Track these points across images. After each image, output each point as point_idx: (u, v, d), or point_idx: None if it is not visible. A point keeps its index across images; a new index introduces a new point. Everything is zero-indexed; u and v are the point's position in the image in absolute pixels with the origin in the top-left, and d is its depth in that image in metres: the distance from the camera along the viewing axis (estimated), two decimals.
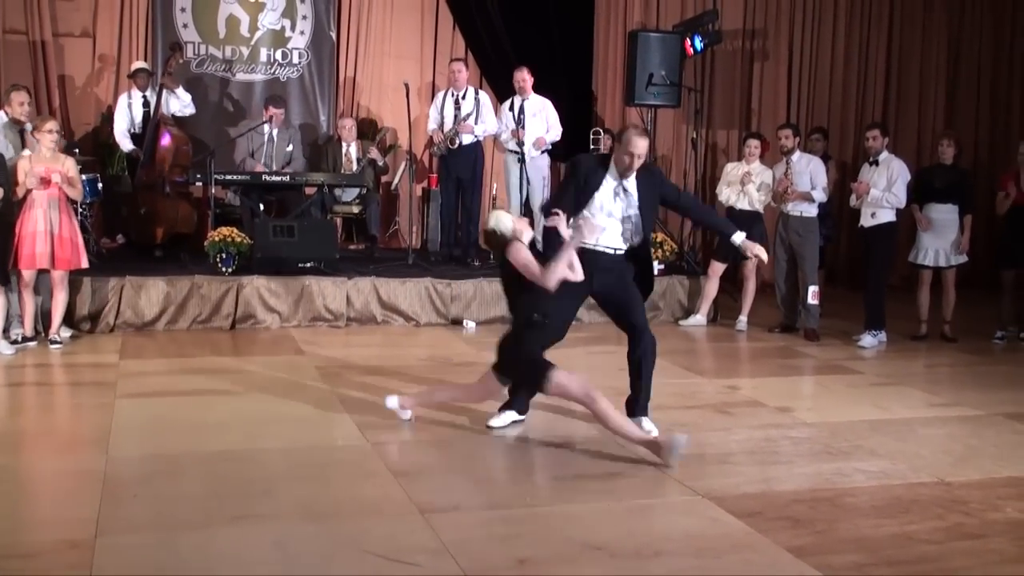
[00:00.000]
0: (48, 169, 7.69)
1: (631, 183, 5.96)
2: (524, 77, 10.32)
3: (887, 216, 8.92)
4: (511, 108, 10.29)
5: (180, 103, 10.04)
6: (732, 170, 9.59)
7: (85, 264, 8.07)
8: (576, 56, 11.98)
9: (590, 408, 5.51)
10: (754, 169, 9.38)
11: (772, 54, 12.56)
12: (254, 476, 5.12)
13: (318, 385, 6.87)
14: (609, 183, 5.96)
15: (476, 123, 10.18)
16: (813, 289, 9.10)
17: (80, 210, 8.98)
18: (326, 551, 4.20)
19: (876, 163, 8.97)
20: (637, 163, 5.87)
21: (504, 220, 5.58)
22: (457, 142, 10.09)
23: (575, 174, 6.03)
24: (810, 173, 9.09)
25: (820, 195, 9.07)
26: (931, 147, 12.76)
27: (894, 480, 5.31)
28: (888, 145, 9.12)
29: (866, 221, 9.02)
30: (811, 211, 9.13)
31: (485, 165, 10.86)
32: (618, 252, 6.01)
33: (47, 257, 7.70)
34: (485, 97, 10.44)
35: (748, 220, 9.33)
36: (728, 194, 9.47)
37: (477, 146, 10.34)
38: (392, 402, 5.97)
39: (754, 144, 9.52)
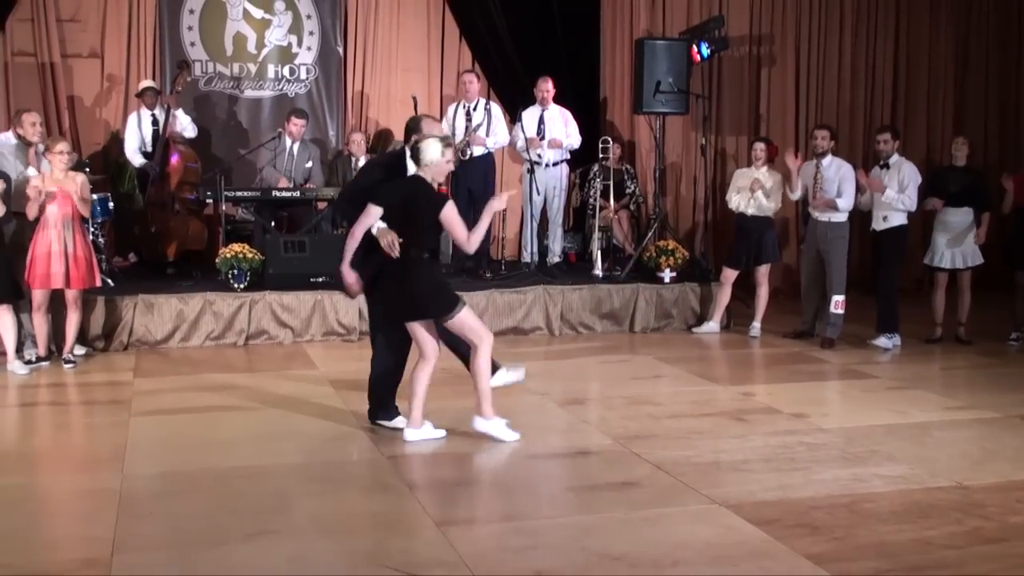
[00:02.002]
0: (61, 189, 7.73)
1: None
2: (548, 88, 10.37)
3: (899, 219, 8.89)
4: (530, 118, 10.35)
5: (180, 125, 10.04)
6: (741, 176, 9.56)
7: (99, 283, 8.11)
8: (583, 65, 11.98)
9: (475, 352, 5.83)
10: (762, 174, 9.33)
11: (779, 59, 12.53)
12: (269, 492, 5.11)
13: (332, 400, 6.87)
14: None
15: (487, 135, 10.19)
16: (838, 299, 8.97)
17: (92, 229, 9.01)
18: (342, 566, 4.20)
19: (887, 166, 8.93)
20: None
21: (431, 151, 5.75)
22: (468, 153, 10.10)
23: None
24: (839, 179, 8.98)
25: (845, 203, 8.90)
26: (940, 149, 12.76)
27: (912, 485, 5.28)
28: (899, 148, 9.07)
29: (878, 224, 8.98)
30: (840, 216, 9.03)
31: (497, 176, 10.86)
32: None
33: (62, 277, 7.72)
34: (497, 109, 10.45)
35: (760, 226, 9.33)
36: (738, 200, 9.44)
37: (489, 157, 10.35)
38: (411, 435, 5.94)
39: (760, 148, 9.46)
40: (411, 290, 5.76)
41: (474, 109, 10.28)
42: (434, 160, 5.74)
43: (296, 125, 10.15)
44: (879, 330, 9.01)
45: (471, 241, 5.84)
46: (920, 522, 4.74)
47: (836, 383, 7.88)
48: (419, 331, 5.85)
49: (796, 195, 9.27)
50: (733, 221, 9.93)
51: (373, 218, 5.77)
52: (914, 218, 9.08)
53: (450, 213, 5.75)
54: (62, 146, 7.86)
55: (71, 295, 7.84)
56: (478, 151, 10.19)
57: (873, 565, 4.23)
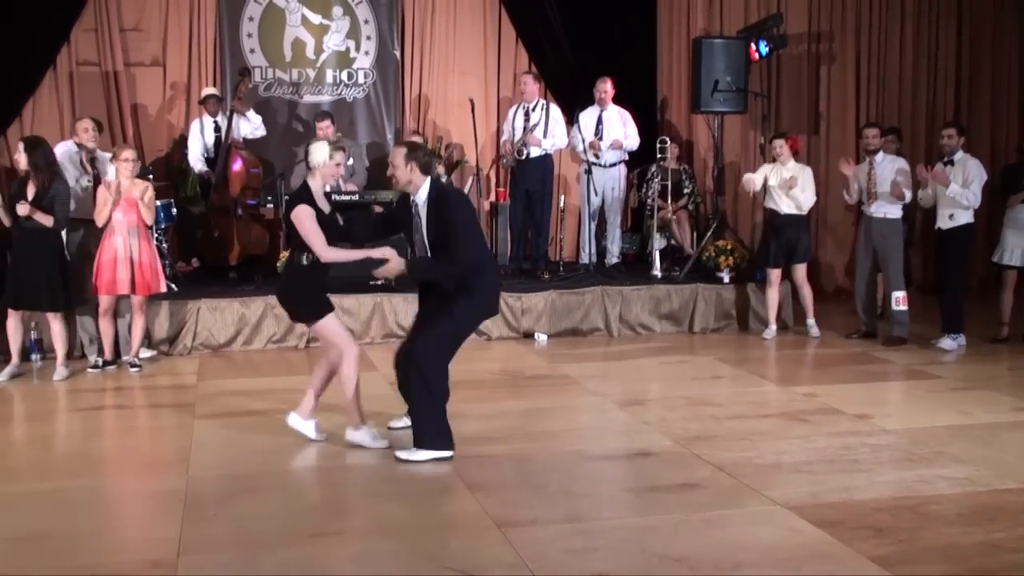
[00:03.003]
0: (127, 196, 7.86)
1: (420, 202, 5.77)
2: (607, 88, 10.38)
3: (965, 218, 8.75)
4: (588, 119, 10.37)
5: (251, 125, 10.21)
6: (770, 173, 9.36)
7: (163, 288, 8.24)
8: (640, 65, 11.94)
9: (342, 362, 5.79)
10: (792, 169, 9.20)
11: (839, 56, 12.39)
12: (332, 493, 5.17)
13: (392, 402, 6.90)
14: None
15: (544, 136, 10.19)
16: (898, 295, 8.88)
17: (156, 235, 9.17)
18: (404, 567, 4.22)
19: (951, 163, 8.80)
20: (392, 172, 5.79)
21: (318, 153, 5.80)
22: (525, 153, 10.12)
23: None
24: (895, 174, 8.88)
25: (907, 196, 8.87)
26: (1006, 146, 12.53)
27: (979, 487, 5.20)
28: (963, 145, 8.93)
29: (943, 223, 8.85)
30: (895, 212, 8.94)
31: (554, 177, 10.87)
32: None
33: (127, 283, 7.87)
34: (556, 111, 10.43)
35: (793, 224, 9.21)
36: (756, 181, 9.33)
37: (547, 158, 10.36)
38: (351, 435, 5.91)
39: (779, 145, 9.29)
40: (290, 294, 5.98)
41: (532, 110, 10.29)
42: (320, 162, 5.79)
43: (322, 129, 10.12)
44: (944, 330, 8.88)
45: (324, 253, 5.68)
46: (987, 525, 4.67)
47: (900, 384, 7.78)
48: (324, 330, 5.89)
49: (852, 199, 9.18)
50: (766, 220, 9.83)
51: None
52: (978, 216, 8.92)
53: (298, 214, 5.66)
54: (128, 153, 7.99)
55: (137, 301, 7.98)
56: (535, 152, 10.19)
57: (939, 568, 4.17)
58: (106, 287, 7.87)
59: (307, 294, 5.86)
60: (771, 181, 9.31)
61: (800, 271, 9.42)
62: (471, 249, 5.65)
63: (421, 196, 5.72)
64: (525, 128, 10.19)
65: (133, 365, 8.05)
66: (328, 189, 6.09)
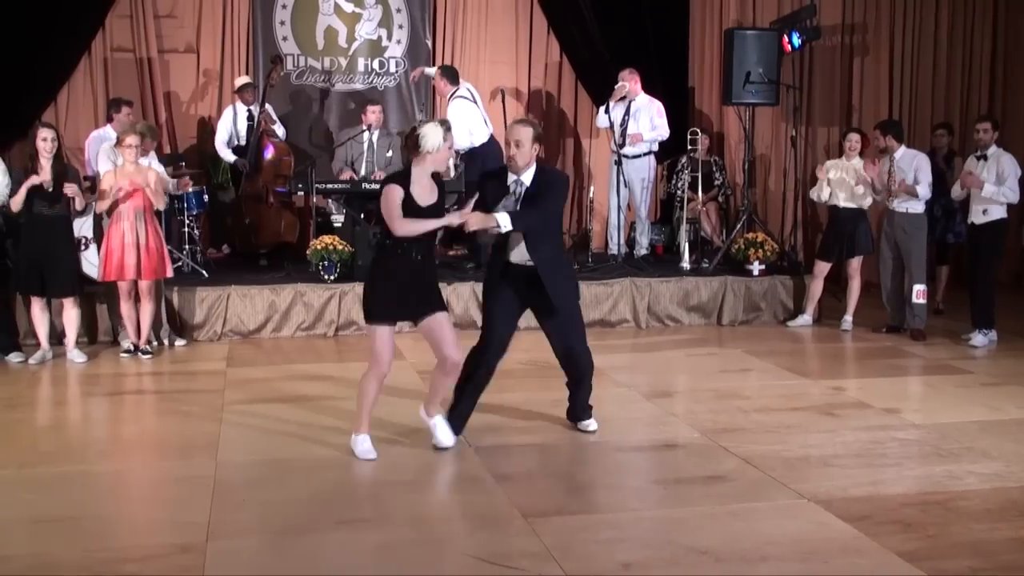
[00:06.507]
0: (132, 182, 7.83)
1: (527, 181, 5.61)
2: (623, 76, 10.33)
3: (999, 212, 8.67)
4: (618, 109, 10.36)
5: (274, 119, 10.33)
6: (833, 167, 9.39)
7: (170, 273, 8.23)
8: (672, 56, 11.90)
9: (365, 373, 5.45)
10: (856, 165, 9.18)
11: (872, 49, 12.29)
12: (358, 481, 5.19)
13: (420, 390, 6.93)
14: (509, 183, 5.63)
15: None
16: (919, 288, 8.88)
17: (187, 222, 9.23)
18: (430, 556, 4.24)
19: (985, 157, 8.73)
20: (516, 152, 5.52)
21: (432, 137, 5.23)
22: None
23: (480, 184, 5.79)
24: (914, 169, 8.86)
25: (924, 191, 8.83)
26: None
27: (1009, 483, 5.17)
28: (996, 139, 8.86)
29: (977, 218, 8.77)
30: (917, 207, 8.91)
31: (583, 166, 10.90)
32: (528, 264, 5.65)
33: (134, 268, 7.87)
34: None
35: (853, 218, 9.19)
36: (824, 192, 9.32)
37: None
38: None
39: (855, 139, 9.30)
40: (365, 279, 5.58)
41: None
42: (435, 146, 5.24)
43: (374, 113, 10.19)
44: (975, 325, 8.81)
45: (397, 227, 5.22)
46: (1017, 521, 4.64)
47: (929, 378, 7.73)
48: (371, 336, 5.48)
49: (879, 197, 9.14)
50: (827, 213, 9.82)
51: None
52: (1012, 210, 8.84)
53: (386, 194, 5.26)
54: (131, 139, 7.90)
55: (144, 286, 7.96)
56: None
57: (968, 564, 4.15)
58: (115, 272, 7.87)
59: (375, 285, 5.40)
60: (832, 175, 9.31)
61: (855, 263, 9.40)
62: (558, 205, 5.75)
63: (529, 175, 5.59)
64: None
65: (144, 352, 8.03)
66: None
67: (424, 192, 5.29)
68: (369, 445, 5.51)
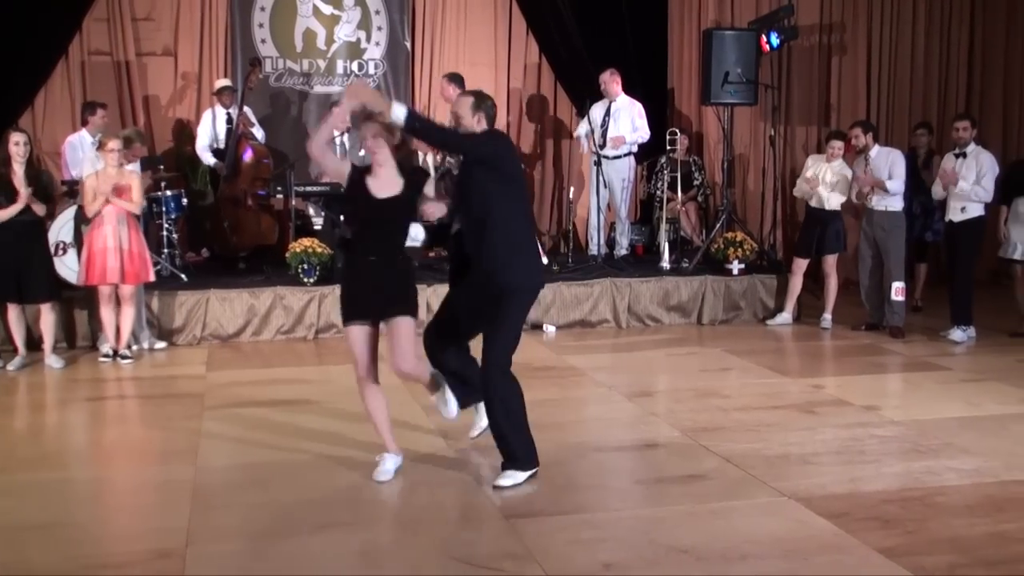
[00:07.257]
0: (116, 186, 7.80)
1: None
2: (605, 79, 10.32)
3: (976, 210, 8.72)
4: (597, 111, 10.36)
5: (253, 121, 10.29)
6: (813, 164, 9.43)
7: (152, 278, 8.20)
8: (650, 56, 11.93)
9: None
10: (835, 167, 9.21)
11: (850, 48, 12.35)
12: (340, 484, 5.17)
13: (400, 393, 6.90)
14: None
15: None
16: (898, 286, 8.94)
17: (166, 225, 9.18)
18: (411, 558, 4.24)
19: (964, 155, 8.77)
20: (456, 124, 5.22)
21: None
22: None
23: None
24: (889, 165, 8.92)
25: (896, 186, 8.86)
26: (1017, 141, 12.50)
27: (987, 478, 5.19)
28: (975, 137, 8.91)
29: (955, 216, 8.82)
30: (896, 205, 8.96)
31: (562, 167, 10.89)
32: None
33: (117, 272, 7.83)
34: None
35: (826, 216, 9.25)
36: (805, 189, 9.37)
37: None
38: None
39: (837, 146, 9.32)
40: None
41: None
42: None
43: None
44: (953, 322, 8.86)
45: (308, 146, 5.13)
46: (995, 516, 4.67)
47: (908, 375, 7.76)
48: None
49: (856, 198, 9.17)
50: (803, 209, 9.87)
51: None
52: (991, 209, 8.89)
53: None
54: (114, 143, 7.88)
55: (127, 290, 7.93)
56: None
57: (947, 559, 4.17)
58: (98, 276, 7.82)
59: (342, 285, 5.32)
60: (810, 173, 9.36)
61: (829, 261, 9.45)
62: (477, 150, 5.19)
63: None
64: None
65: (124, 357, 7.97)
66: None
67: (381, 184, 5.12)
68: (388, 467, 5.22)
